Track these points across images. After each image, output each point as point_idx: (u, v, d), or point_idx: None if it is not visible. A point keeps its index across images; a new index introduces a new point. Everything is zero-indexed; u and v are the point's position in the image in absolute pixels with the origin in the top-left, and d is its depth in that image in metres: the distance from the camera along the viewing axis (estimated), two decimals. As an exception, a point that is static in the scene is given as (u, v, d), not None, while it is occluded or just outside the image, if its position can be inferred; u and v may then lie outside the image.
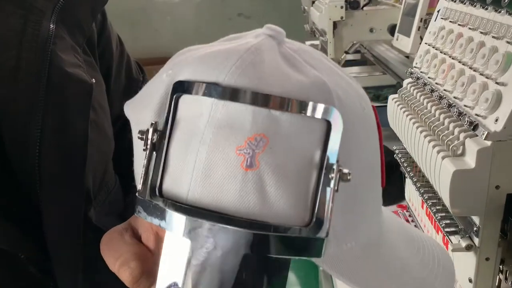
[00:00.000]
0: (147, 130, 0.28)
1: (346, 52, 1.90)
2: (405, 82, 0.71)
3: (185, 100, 0.28)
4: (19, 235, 0.41)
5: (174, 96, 0.28)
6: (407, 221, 0.76)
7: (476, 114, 0.49)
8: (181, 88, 0.28)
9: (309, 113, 0.27)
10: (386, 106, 0.73)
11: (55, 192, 0.42)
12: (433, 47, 0.65)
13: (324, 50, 2.01)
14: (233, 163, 0.26)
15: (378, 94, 1.69)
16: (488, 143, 0.47)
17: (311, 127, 0.27)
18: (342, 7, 1.67)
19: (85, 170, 0.43)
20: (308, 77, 0.28)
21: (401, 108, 0.67)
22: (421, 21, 1.19)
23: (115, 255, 0.34)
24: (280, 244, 0.26)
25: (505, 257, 0.53)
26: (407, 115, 0.64)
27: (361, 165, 0.30)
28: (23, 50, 0.40)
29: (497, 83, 0.47)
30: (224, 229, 0.26)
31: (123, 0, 3.18)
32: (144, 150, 0.28)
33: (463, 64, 0.55)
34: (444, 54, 0.61)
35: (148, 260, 0.34)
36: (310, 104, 0.27)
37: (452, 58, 0.58)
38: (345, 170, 0.26)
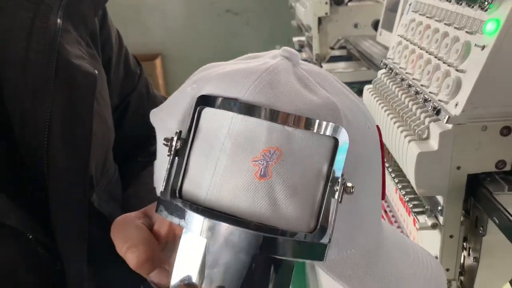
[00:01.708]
0: (172, 138, 0.32)
1: (332, 48, 1.93)
2: (379, 73, 0.74)
3: (207, 112, 0.32)
4: (28, 216, 0.43)
5: (198, 108, 0.32)
6: (383, 208, 0.79)
7: (440, 100, 0.53)
8: (204, 101, 0.32)
9: (319, 130, 0.30)
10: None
11: (62, 177, 0.44)
12: (404, 39, 0.69)
13: (310, 45, 2.04)
14: (248, 172, 0.29)
15: (363, 89, 1.72)
16: (449, 126, 0.50)
17: (320, 143, 0.30)
18: (326, 3, 1.70)
19: (89, 157, 0.46)
20: (319, 97, 0.31)
21: (374, 98, 0.70)
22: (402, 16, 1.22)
23: (124, 238, 0.36)
24: (286, 247, 0.30)
25: (468, 234, 0.56)
26: (379, 104, 0.67)
27: (364, 180, 0.33)
28: (32, 42, 0.42)
29: (457, 70, 0.51)
30: (237, 230, 0.29)
31: (112, -4, 3.18)
32: (168, 155, 0.32)
33: (429, 54, 0.59)
34: (414, 45, 0.64)
35: (155, 247, 0.36)
36: (321, 122, 0.30)
37: (421, 49, 0.62)
38: (349, 184, 0.30)
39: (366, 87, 0.75)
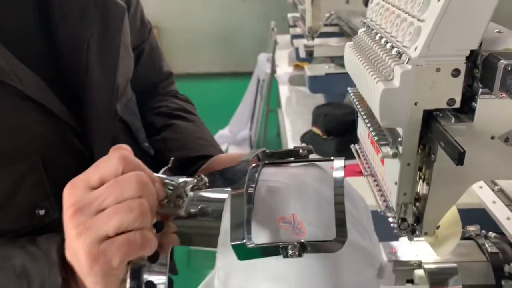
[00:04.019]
0: None
1: (325, 25, 2.01)
2: (359, 31, 0.83)
3: None
4: (66, 110, 0.54)
5: None
6: (357, 152, 0.89)
7: (403, 46, 0.62)
8: None
9: None
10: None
11: (94, 86, 0.55)
12: (382, 0, 0.78)
13: (303, 19, 2.12)
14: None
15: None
16: (409, 67, 0.60)
17: None
18: (320, -23, 1.78)
19: (117, 72, 0.57)
20: None
21: (354, 52, 0.79)
22: (390, -9, 1.31)
23: None
24: None
25: (423, 165, 0.67)
26: (357, 57, 0.77)
27: None
28: None
29: (418, 20, 0.60)
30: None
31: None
32: None
33: (399, 10, 0.68)
34: (388, 3, 0.74)
35: None
36: None
37: (393, 6, 0.71)
38: None
39: (348, 44, 0.84)
